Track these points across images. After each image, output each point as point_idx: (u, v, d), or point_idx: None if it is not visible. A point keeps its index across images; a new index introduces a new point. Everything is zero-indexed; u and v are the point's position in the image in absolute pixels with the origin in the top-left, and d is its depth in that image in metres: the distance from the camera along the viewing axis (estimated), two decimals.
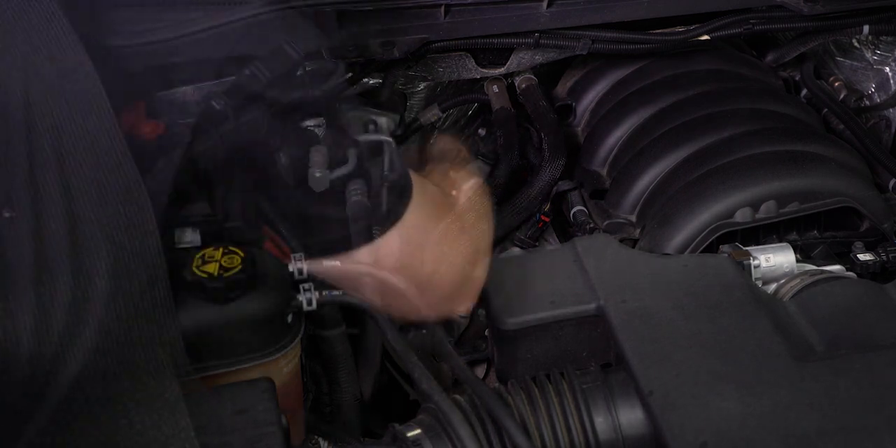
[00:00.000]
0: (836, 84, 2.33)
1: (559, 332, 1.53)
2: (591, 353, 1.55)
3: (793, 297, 1.64)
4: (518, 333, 1.52)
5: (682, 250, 1.85)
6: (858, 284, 1.68)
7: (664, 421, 1.33)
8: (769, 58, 2.35)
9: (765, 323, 1.48)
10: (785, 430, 1.32)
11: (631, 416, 1.41)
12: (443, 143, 1.96)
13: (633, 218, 2.00)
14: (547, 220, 2.10)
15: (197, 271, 1.42)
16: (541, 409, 1.42)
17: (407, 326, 1.79)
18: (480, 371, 1.97)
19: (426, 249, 1.54)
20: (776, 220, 1.88)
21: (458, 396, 1.49)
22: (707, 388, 1.37)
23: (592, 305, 1.52)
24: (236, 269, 1.50)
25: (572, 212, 2.09)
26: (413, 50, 2.11)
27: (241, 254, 1.55)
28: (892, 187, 2.09)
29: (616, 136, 2.14)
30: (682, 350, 1.43)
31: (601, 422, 1.41)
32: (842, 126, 2.23)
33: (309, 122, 2.18)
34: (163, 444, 1.27)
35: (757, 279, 1.71)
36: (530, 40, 2.15)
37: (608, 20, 2.15)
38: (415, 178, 1.60)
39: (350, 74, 2.15)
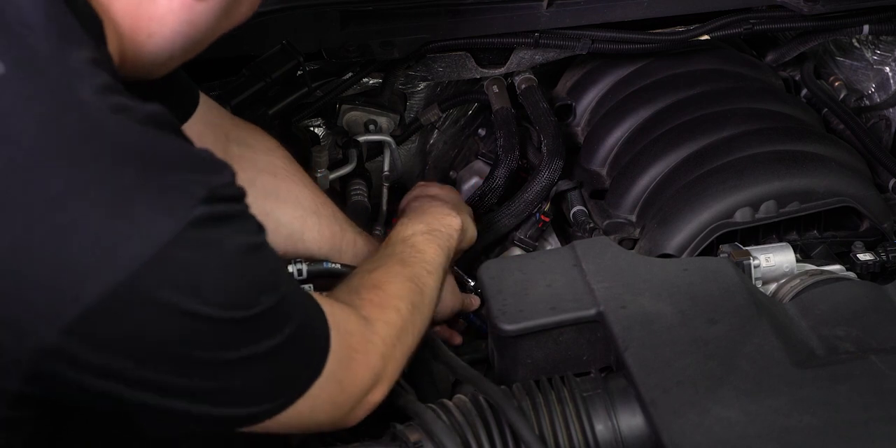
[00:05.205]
0: (836, 84, 2.33)
1: (559, 337, 1.53)
2: (591, 356, 1.55)
3: (793, 298, 1.65)
4: (518, 338, 1.52)
5: (682, 250, 1.86)
6: (859, 286, 1.67)
7: (664, 428, 1.33)
8: (769, 58, 2.35)
9: (765, 328, 1.47)
10: (785, 437, 1.32)
11: (631, 423, 1.41)
12: None
13: (633, 218, 2.00)
14: (547, 219, 2.09)
15: None
16: (543, 416, 1.42)
17: None
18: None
19: None
20: (776, 219, 1.88)
21: (461, 396, 1.49)
22: (707, 395, 1.37)
23: (592, 311, 1.52)
24: None
25: (572, 212, 2.09)
26: (413, 50, 2.12)
27: None
28: (892, 187, 2.09)
29: (616, 136, 2.14)
30: (682, 356, 1.43)
31: (602, 429, 1.41)
32: (842, 126, 2.23)
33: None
34: None
35: (757, 279, 1.71)
36: (530, 40, 2.16)
37: (608, 20, 2.15)
38: None
39: (350, 74, 2.16)
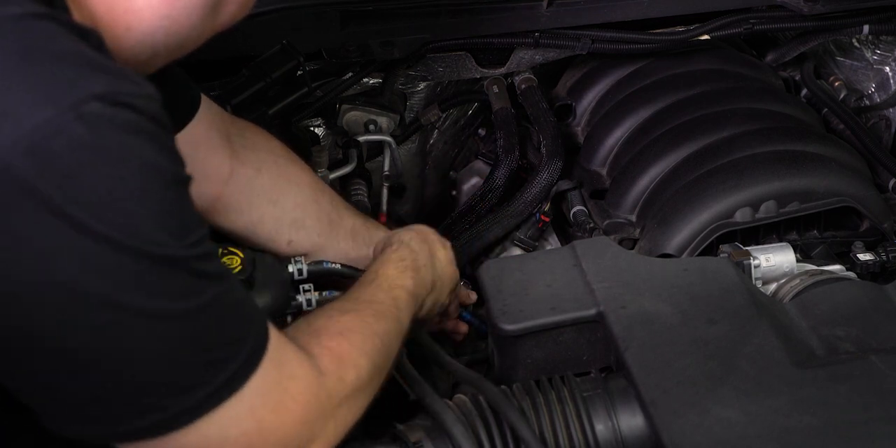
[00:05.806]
0: (836, 84, 2.33)
1: (559, 337, 1.52)
2: (591, 356, 1.55)
3: (793, 298, 1.64)
4: (518, 338, 1.52)
5: (682, 250, 1.86)
6: (859, 286, 1.67)
7: (664, 428, 1.33)
8: (769, 58, 2.36)
9: (765, 328, 1.47)
10: (785, 437, 1.32)
11: (632, 423, 1.41)
12: None
13: (633, 218, 2.00)
14: (547, 219, 2.09)
15: None
16: (543, 416, 1.42)
17: None
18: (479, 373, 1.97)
19: None
20: (776, 219, 1.88)
21: (461, 396, 1.49)
22: (707, 395, 1.37)
23: (592, 311, 1.52)
24: (236, 270, 1.52)
25: (572, 212, 2.09)
26: (413, 50, 2.12)
27: (241, 254, 1.56)
28: (892, 187, 2.09)
29: (616, 136, 2.14)
30: (682, 356, 1.43)
31: (602, 429, 1.40)
32: (842, 126, 2.23)
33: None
34: None
35: (757, 279, 1.71)
36: (530, 40, 2.16)
37: (608, 20, 2.15)
38: None
39: (350, 74, 2.16)
